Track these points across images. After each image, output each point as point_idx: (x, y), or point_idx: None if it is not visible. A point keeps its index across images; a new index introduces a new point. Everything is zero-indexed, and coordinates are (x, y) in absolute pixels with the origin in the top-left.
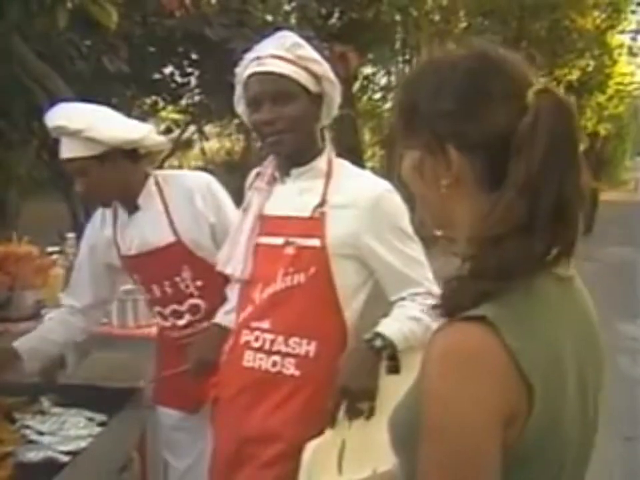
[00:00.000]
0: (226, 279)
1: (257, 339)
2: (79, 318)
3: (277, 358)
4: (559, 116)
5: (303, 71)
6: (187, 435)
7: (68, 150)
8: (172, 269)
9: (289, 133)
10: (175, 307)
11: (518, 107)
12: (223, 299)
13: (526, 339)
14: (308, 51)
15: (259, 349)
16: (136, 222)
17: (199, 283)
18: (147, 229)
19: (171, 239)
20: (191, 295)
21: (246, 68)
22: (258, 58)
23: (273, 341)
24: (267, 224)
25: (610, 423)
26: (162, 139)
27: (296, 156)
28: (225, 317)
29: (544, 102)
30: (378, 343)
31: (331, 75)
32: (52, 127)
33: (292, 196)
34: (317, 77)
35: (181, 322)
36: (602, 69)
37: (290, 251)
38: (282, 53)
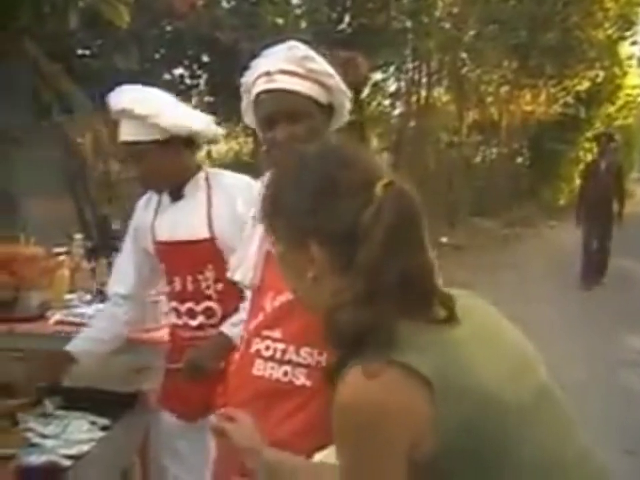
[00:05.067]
0: (242, 293)
1: (267, 348)
2: (124, 309)
3: (287, 368)
4: (401, 206)
5: (315, 84)
6: (187, 443)
7: (129, 133)
8: (198, 264)
9: None
10: (191, 305)
11: (366, 200)
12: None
13: (420, 352)
14: (319, 63)
15: (270, 358)
16: (176, 210)
17: (219, 287)
18: (185, 220)
19: (205, 234)
20: (209, 298)
21: (255, 81)
22: (268, 74)
23: (284, 351)
24: None
25: (611, 436)
26: (220, 130)
27: None
28: (231, 328)
29: (387, 194)
30: None
31: (342, 85)
32: (117, 109)
33: None
34: (328, 89)
35: (194, 322)
36: (612, 80)
37: None
38: (292, 68)
